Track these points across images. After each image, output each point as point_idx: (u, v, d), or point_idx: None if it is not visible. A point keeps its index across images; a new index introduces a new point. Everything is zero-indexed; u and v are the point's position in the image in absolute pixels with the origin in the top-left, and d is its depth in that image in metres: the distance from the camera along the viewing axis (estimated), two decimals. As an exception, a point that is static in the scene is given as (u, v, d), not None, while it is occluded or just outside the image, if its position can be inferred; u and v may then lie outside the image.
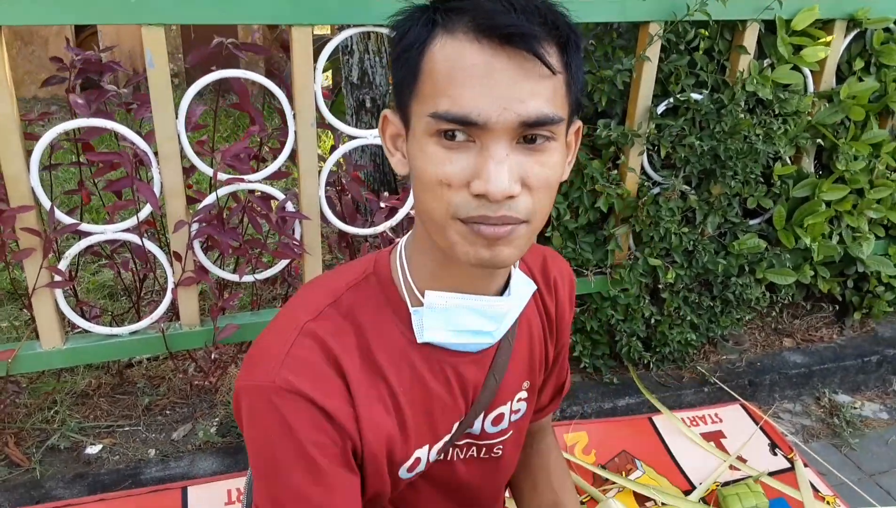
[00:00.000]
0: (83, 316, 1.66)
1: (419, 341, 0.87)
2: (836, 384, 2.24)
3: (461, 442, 1.00)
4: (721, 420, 2.05)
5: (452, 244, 0.76)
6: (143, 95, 1.57)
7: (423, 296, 0.85)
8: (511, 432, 1.03)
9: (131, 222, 1.57)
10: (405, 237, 0.91)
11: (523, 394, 1.03)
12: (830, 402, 2.19)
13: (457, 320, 0.86)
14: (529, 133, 0.71)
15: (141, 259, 1.64)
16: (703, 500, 1.76)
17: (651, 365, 2.14)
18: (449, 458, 1.00)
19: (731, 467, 1.87)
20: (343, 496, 0.83)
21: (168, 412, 1.85)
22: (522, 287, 0.93)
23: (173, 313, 1.73)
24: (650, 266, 2.01)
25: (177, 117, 1.51)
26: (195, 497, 1.58)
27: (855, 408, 2.18)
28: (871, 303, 2.36)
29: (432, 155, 0.73)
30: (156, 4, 1.41)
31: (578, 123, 0.83)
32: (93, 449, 1.72)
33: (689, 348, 2.14)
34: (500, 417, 1.00)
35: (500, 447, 1.04)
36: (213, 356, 1.72)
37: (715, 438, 1.98)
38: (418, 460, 0.93)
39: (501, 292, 0.90)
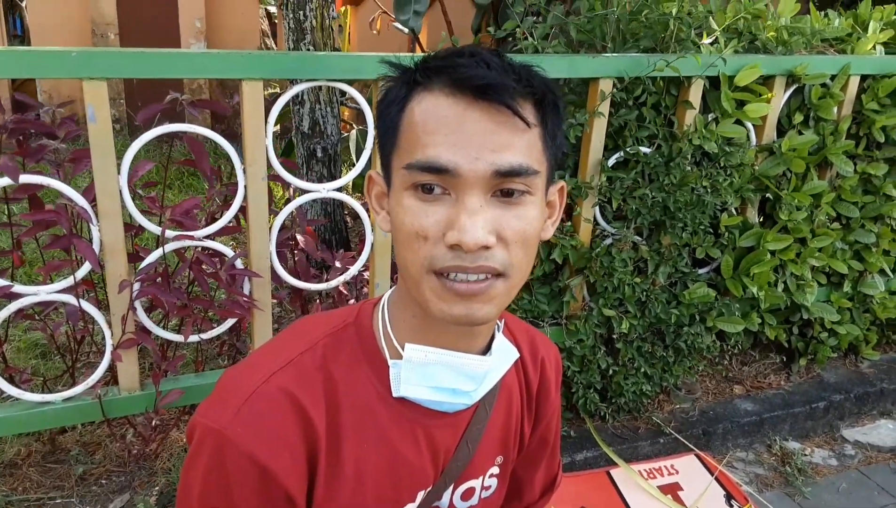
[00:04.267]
0: (12, 382, 1.55)
1: (395, 394, 0.83)
2: (787, 431, 2.27)
3: None
4: (677, 472, 2.04)
5: (426, 300, 0.74)
6: (83, 151, 1.51)
7: (402, 349, 0.82)
8: None
9: (68, 282, 1.48)
10: (390, 291, 0.88)
11: (496, 469, 0.99)
12: (781, 450, 2.21)
13: (435, 376, 0.83)
14: (505, 185, 0.71)
15: (76, 321, 1.55)
16: (664, 556, 1.74)
17: (607, 416, 2.12)
18: None
19: (689, 520, 1.86)
20: None
21: (104, 481, 1.74)
22: (505, 351, 0.91)
23: (111, 376, 1.63)
24: (605, 317, 2.01)
25: (119, 173, 1.44)
26: (133, 576, 1.47)
27: (805, 455, 2.20)
28: (815, 349, 2.42)
29: (409, 208, 0.72)
30: (99, 59, 1.36)
31: (562, 183, 0.84)
32: (21, 526, 1.59)
33: (643, 398, 2.14)
34: (470, 491, 0.96)
35: (489, 487, 0.99)
36: (153, 423, 1.63)
37: (672, 490, 1.97)
38: None
39: (483, 353, 0.88)
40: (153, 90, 1.54)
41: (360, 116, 3.56)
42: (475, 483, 0.97)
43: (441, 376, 0.83)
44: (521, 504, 1.11)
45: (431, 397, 0.85)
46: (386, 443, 0.86)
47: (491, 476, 0.99)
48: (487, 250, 0.71)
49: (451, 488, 0.94)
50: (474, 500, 0.98)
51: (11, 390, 1.50)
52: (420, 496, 0.91)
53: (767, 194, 2.16)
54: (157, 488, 1.72)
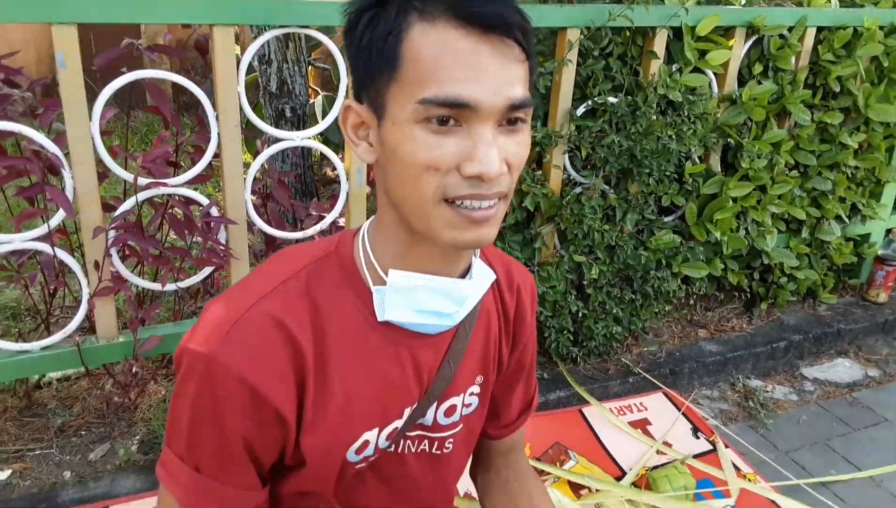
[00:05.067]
0: (-13, 334, 1.55)
1: (380, 319, 0.87)
2: (749, 370, 2.37)
3: (413, 434, 1.00)
4: (646, 409, 2.12)
5: (436, 229, 0.77)
6: (51, 100, 1.49)
7: (385, 276, 0.85)
8: (462, 426, 1.04)
9: (41, 230, 1.48)
10: (367, 222, 0.91)
11: (476, 388, 1.03)
12: (744, 387, 2.30)
13: (419, 300, 0.86)
14: (511, 116, 0.74)
15: (51, 272, 1.54)
16: (635, 484, 1.81)
17: (579, 359, 2.19)
18: (400, 451, 1.00)
19: (658, 452, 1.94)
20: (238, 483, 0.85)
21: (83, 432, 1.75)
22: (483, 275, 0.94)
23: (89, 326, 1.64)
24: (575, 263, 2.07)
25: (90, 120, 1.44)
26: (120, 517, 1.50)
27: (767, 391, 2.30)
28: (775, 293, 2.51)
29: (421, 140, 0.73)
30: (67, 3, 1.35)
31: None
32: (1, 475, 1.60)
33: (613, 341, 2.21)
34: (452, 408, 1.01)
35: (451, 441, 1.04)
36: (133, 370, 1.64)
37: (641, 425, 2.05)
38: (367, 443, 0.92)
39: (463, 276, 0.91)
40: (111, 44, 1.52)
41: (327, 80, 3.55)
42: (457, 401, 1.01)
43: (424, 299, 0.87)
44: (499, 424, 1.15)
45: (416, 320, 0.88)
46: (372, 364, 0.89)
47: (471, 394, 1.03)
48: (499, 178, 0.75)
49: (435, 405, 0.99)
50: (456, 417, 1.02)
51: (-12, 339, 1.50)
52: (406, 412, 0.95)
53: (729, 142, 2.23)
54: (137, 437, 1.74)
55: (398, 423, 0.95)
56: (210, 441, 0.83)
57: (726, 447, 1.97)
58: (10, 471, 1.61)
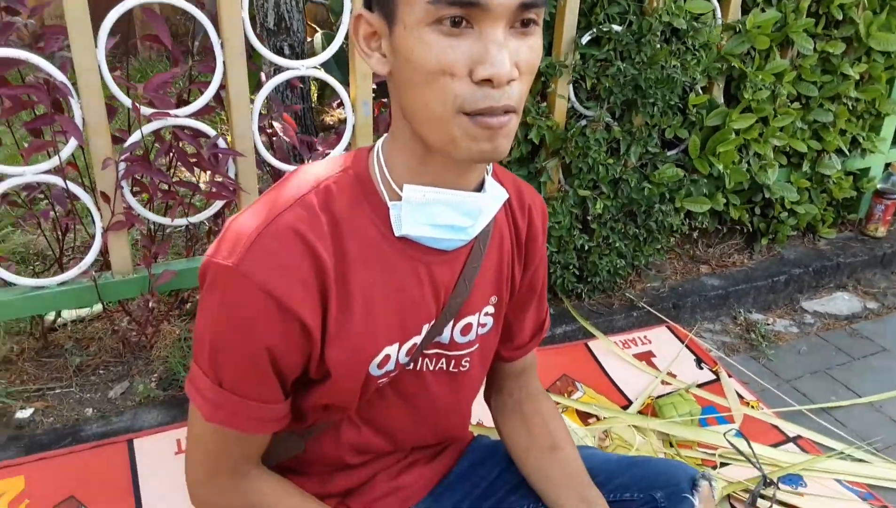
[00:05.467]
0: None
1: (396, 234, 0.88)
2: (750, 304, 2.40)
3: (430, 352, 1.02)
4: (650, 342, 2.16)
5: (453, 140, 0.77)
6: (54, 27, 1.47)
7: (401, 191, 0.86)
8: (478, 345, 1.06)
9: (53, 162, 1.47)
10: (381, 139, 0.92)
11: (490, 309, 1.06)
12: (746, 320, 2.34)
13: (434, 214, 0.87)
14: (523, 16, 0.73)
15: (64, 203, 1.54)
16: (641, 413, 1.85)
17: (584, 295, 2.22)
18: (419, 368, 1.02)
19: (662, 382, 1.97)
20: (260, 397, 0.87)
21: (101, 371, 1.77)
22: (496, 191, 0.95)
23: (103, 263, 1.64)
24: (580, 197, 2.08)
25: (97, 46, 1.42)
26: (142, 448, 1.52)
27: (768, 324, 2.34)
28: (776, 228, 2.54)
29: (432, 43, 0.73)
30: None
31: None
32: (24, 413, 1.62)
33: (617, 276, 2.23)
34: (468, 327, 1.03)
35: (468, 360, 1.06)
36: (150, 306, 1.65)
37: (646, 358, 2.09)
38: (388, 357, 0.94)
39: (476, 191, 0.92)
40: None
41: (324, 18, 3.50)
42: (472, 320, 1.03)
43: (440, 213, 0.88)
44: (512, 346, 1.18)
45: (431, 234, 0.89)
46: (391, 279, 0.91)
47: (486, 314, 1.05)
48: (509, 84, 0.74)
49: (452, 323, 1.01)
50: (472, 336, 1.05)
51: (6, 274, 1.50)
52: (424, 329, 0.97)
53: (732, 73, 2.23)
54: (155, 375, 1.76)
55: (417, 339, 0.97)
56: (233, 355, 0.84)
57: (729, 376, 2.02)
58: (32, 409, 1.64)
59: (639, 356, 2.09)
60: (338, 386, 0.92)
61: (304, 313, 0.83)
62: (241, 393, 0.86)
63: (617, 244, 2.15)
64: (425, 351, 1.01)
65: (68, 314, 1.89)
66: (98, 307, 1.92)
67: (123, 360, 1.80)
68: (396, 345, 0.94)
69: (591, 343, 2.10)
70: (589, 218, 2.12)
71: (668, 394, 1.91)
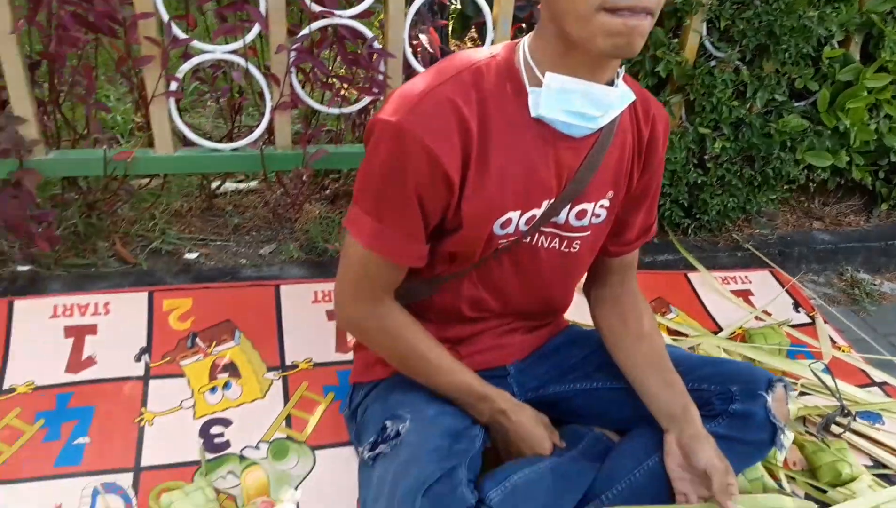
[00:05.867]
0: (187, 135, 1.85)
1: (533, 115, 1.05)
2: (859, 263, 2.41)
3: (547, 229, 1.18)
4: (750, 282, 2.23)
5: (593, 35, 0.92)
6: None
7: (542, 77, 1.02)
8: (589, 233, 1.21)
9: (238, 44, 1.73)
10: (527, 36, 1.08)
11: (606, 202, 1.20)
12: (852, 278, 2.36)
13: (569, 101, 1.03)
14: None
15: (239, 83, 1.81)
16: (731, 339, 1.95)
17: (689, 232, 2.31)
18: (534, 243, 1.19)
19: (756, 318, 2.05)
20: (409, 234, 1.07)
21: (254, 233, 2.06)
22: (625, 89, 1.10)
23: (267, 138, 1.91)
24: (699, 135, 2.16)
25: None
26: (286, 293, 1.79)
27: (874, 285, 2.35)
28: (899, 194, 2.51)
29: None
30: None
31: None
32: (191, 255, 1.93)
33: (726, 218, 2.31)
34: (583, 213, 1.18)
35: (578, 243, 1.22)
36: (303, 178, 1.91)
37: (744, 295, 2.16)
38: (510, 221, 1.12)
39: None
40: None
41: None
42: (588, 207, 1.18)
43: (574, 101, 1.04)
44: (619, 242, 1.32)
45: (564, 119, 1.05)
46: (523, 154, 1.08)
47: (601, 206, 1.20)
48: None
49: (569, 207, 1.17)
50: (585, 221, 1.20)
51: (191, 134, 1.80)
52: (544, 204, 1.14)
53: (872, 31, 2.21)
54: (298, 242, 2.03)
55: (536, 212, 1.14)
56: (392, 196, 1.05)
57: (825, 322, 2.07)
58: (197, 253, 1.95)
59: (736, 293, 2.17)
60: (466, 236, 1.11)
61: (450, 169, 1.02)
62: (395, 228, 1.07)
63: (731, 186, 2.22)
64: (543, 228, 1.17)
65: (230, 186, 2.19)
66: (254, 183, 2.22)
67: (272, 227, 2.08)
68: (518, 212, 1.12)
69: (690, 275, 2.20)
70: (706, 157, 2.20)
71: (759, 328, 1.99)
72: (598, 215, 1.21)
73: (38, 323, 1.62)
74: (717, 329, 2.00)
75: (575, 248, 1.23)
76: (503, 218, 1.12)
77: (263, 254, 1.97)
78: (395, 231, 1.08)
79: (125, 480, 1.33)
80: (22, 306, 1.63)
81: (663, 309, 2.05)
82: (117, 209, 1.94)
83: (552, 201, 1.14)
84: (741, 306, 2.10)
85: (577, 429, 1.38)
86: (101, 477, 1.32)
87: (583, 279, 1.42)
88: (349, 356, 1.69)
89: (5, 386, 1.50)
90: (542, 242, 1.20)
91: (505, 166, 1.07)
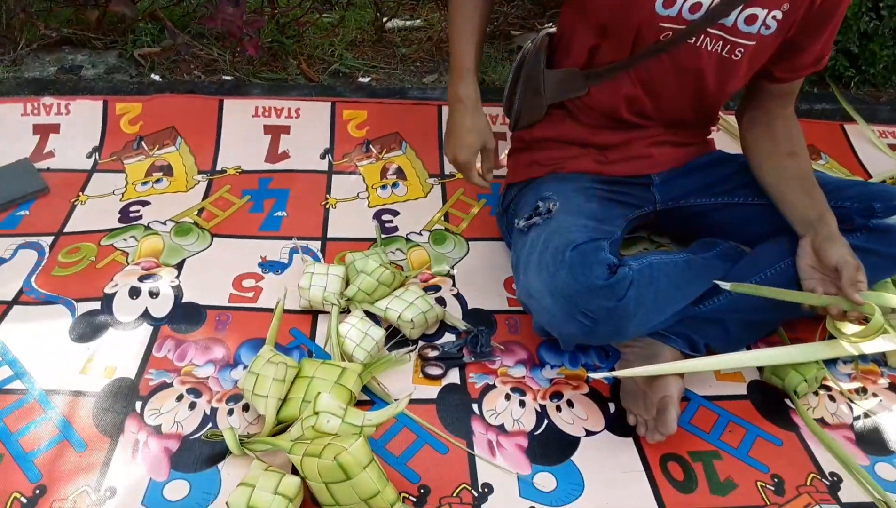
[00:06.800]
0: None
1: None
2: None
3: (713, 31, 1.21)
4: (911, 135, 2.16)
5: None
6: None
7: None
8: (755, 43, 1.23)
9: None
10: None
11: (779, 14, 1.20)
12: None
13: None
14: None
15: None
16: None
17: (852, 85, 2.24)
18: (698, 45, 1.23)
19: (911, 171, 2.01)
20: None
21: (418, 64, 2.24)
22: None
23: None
24: (876, -23, 2.06)
25: None
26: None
27: None
28: None
29: None
30: None
31: None
32: (364, 79, 2.14)
33: (894, 73, 2.21)
34: (753, 18, 1.20)
35: (742, 51, 1.24)
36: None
37: (902, 149, 2.11)
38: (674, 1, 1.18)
39: None
40: None
41: None
42: (760, 13, 1.19)
43: None
44: (786, 68, 1.32)
45: None
46: None
47: (773, 17, 1.20)
48: None
49: (740, 7, 1.18)
50: (754, 29, 1.21)
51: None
52: None
53: None
54: (457, 73, 2.19)
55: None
56: None
57: None
58: (370, 77, 2.15)
59: (893, 148, 2.11)
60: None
61: None
62: None
63: (904, 36, 2.12)
64: (709, 30, 1.21)
65: (398, 21, 2.37)
66: (419, 21, 2.38)
67: (434, 59, 2.25)
68: None
69: (847, 126, 2.16)
70: (881, 3, 2.10)
71: (912, 180, 1.96)
72: (769, 27, 1.21)
73: (243, 120, 1.90)
74: (868, 178, 1.98)
75: (737, 55, 1.24)
76: None
77: (426, 82, 2.15)
78: None
79: (315, 245, 1.60)
80: (230, 104, 1.92)
81: (814, 156, 2.04)
82: (304, 32, 2.17)
83: None
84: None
85: (714, 239, 1.46)
86: (297, 242, 1.61)
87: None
88: (498, 171, 1.86)
89: (218, 167, 1.81)
90: (706, 44, 1.23)
91: None
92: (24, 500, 1.05)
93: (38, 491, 1.06)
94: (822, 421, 1.27)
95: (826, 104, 2.17)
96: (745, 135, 1.44)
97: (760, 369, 1.35)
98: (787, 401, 1.30)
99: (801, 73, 1.33)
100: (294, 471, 1.07)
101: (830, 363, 1.37)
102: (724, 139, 1.93)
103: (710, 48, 1.24)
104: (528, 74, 1.44)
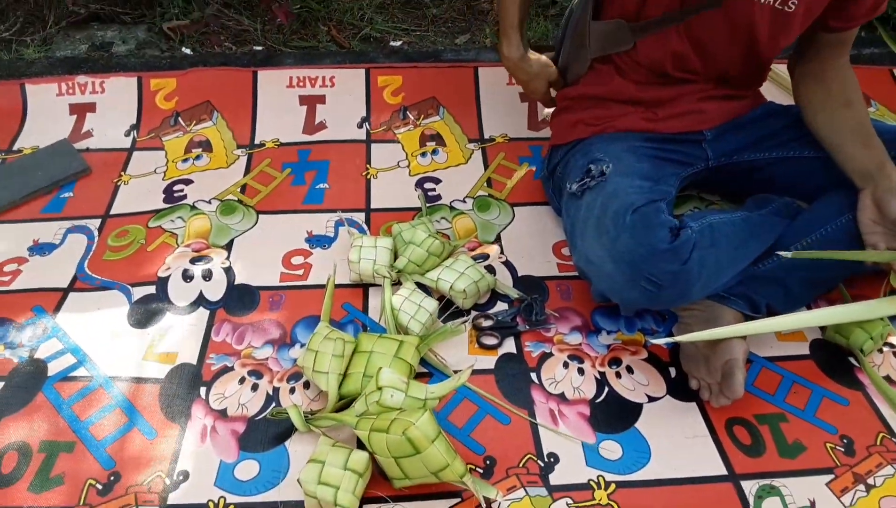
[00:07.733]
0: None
1: None
2: None
3: None
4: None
5: None
6: None
7: None
8: None
9: None
10: None
11: None
12: None
13: None
14: None
15: None
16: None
17: (901, 25, 2.15)
18: None
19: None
20: None
21: (450, 24, 2.19)
22: None
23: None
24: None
25: None
26: (484, 74, 1.92)
27: None
28: None
29: None
30: None
31: None
32: (395, 43, 2.10)
33: (947, 11, 2.12)
34: None
35: (796, 2, 1.18)
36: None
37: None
38: None
39: None
40: None
41: None
42: None
43: None
44: (842, 17, 1.25)
45: None
46: None
47: None
48: None
49: None
50: None
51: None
52: None
53: None
54: (489, 30, 2.14)
55: None
56: None
57: None
58: (401, 42, 2.11)
59: (947, 92, 2.04)
60: None
61: None
62: None
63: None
64: None
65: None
66: (447, -21, 2.31)
67: (466, 19, 2.20)
68: None
69: (895, 70, 2.08)
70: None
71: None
72: None
73: (278, 91, 1.88)
74: (917, 124, 1.92)
75: (791, 7, 1.19)
76: None
77: (459, 43, 2.10)
78: None
79: (359, 217, 1.59)
80: (264, 75, 1.90)
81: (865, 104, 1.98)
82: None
83: None
84: (949, 104, 1.98)
85: (767, 195, 1.42)
86: (342, 214, 1.59)
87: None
88: (540, 133, 1.83)
89: (256, 141, 1.79)
90: None
91: None
92: (99, 486, 1.07)
93: (112, 478, 1.08)
94: (888, 379, 1.25)
95: (875, 48, 2.09)
96: (798, 86, 1.39)
97: (822, 327, 1.32)
98: (851, 359, 1.28)
99: (857, 21, 1.27)
100: (359, 446, 1.08)
101: (894, 319, 1.34)
102: (772, 90, 1.87)
103: (762, 1, 1.19)
104: (575, 24, 1.41)
